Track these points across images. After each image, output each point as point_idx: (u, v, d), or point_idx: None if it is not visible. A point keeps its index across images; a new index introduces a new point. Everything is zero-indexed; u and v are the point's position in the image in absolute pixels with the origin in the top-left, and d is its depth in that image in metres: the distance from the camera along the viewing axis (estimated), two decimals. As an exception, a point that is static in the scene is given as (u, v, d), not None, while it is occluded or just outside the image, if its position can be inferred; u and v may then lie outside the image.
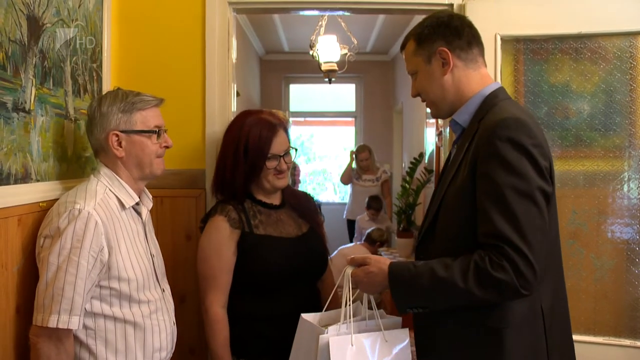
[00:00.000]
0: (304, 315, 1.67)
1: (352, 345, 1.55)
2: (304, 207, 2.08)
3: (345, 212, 6.43)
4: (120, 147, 1.63)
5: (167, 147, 1.72)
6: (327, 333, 1.55)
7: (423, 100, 1.62)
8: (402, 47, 1.62)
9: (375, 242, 4.82)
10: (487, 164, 1.34)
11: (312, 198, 2.17)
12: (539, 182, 1.32)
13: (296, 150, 2.05)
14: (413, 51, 1.56)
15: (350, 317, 1.58)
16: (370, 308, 1.64)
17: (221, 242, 1.89)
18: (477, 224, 1.36)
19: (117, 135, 1.63)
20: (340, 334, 1.56)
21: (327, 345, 1.53)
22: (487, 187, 1.34)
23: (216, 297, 1.88)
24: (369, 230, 5.00)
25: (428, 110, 5.19)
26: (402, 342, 1.63)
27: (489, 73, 1.57)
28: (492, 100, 1.48)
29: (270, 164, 1.92)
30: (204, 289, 1.91)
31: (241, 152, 1.92)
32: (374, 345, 1.59)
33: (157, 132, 1.68)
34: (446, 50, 1.50)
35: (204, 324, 1.92)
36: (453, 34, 1.51)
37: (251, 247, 1.90)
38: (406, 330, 1.64)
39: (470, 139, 1.44)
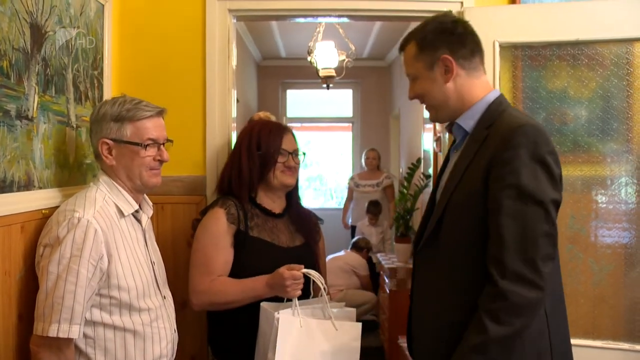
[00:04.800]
0: (264, 304, 1.80)
1: (300, 326, 1.72)
2: (304, 222, 2.10)
3: (349, 219, 6.45)
4: (111, 155, 1.62)
5: (161, 161, 1.68)
6: (278, 314, 1.69)
7: (422, 103, 1.60)
8: (402, 48, 1.59)
9: (362, 249, 5.28)
10: (502, 171, 1.34)
11: (316, 217, 2.19)
12: (552, 192, 1.34)
13: (305, 154, 2.09)
14: (414, 55, 1.54)
15: (296, 303, 1.75)
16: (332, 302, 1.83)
17: (219, 232, 1.91)
18: (486, 231, 1.36)
19: (107, 144, 1.62)
20: (291, 315, 1.72)
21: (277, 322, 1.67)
22: (501, 194, 1.34)
23: (208, 278, 1.88)
24: (354, 240, 5.45)
25: (426, 115, 5.16)
26: (352, 333, 1.77)
27: (488, 79, 1.58)
28: (498, 107, 1.49)
29: (281, 158, 1.98)
30: (193, 276, 1.90)
31: (254, 148, 1.99)
32: (323, 330, 1.75)
33: (147, 145, 1.62)
34: (450, 58, 1.48)
35: (206, 309, 1.96)
36: (457, 42, 1.50)
37: (242, 246, 1.92)
38: (359, 325, 1.79)
39: (479, 145, 1.43)
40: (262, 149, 1.99)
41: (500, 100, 1.52)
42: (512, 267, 1.30)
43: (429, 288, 1.52)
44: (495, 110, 1.48)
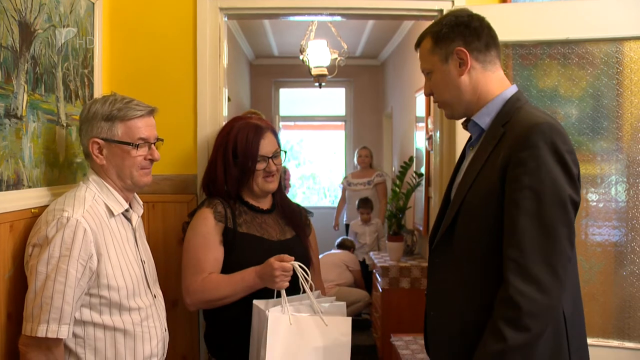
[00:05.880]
0: (255, 301, 1.80)
1: (290, 323, 1.73)
2: (293, 216, 2.10)
3: (344, 218, 6.46)
4: (102, 154, 1.61)
5: (152, 160, 1.67)
6: (268, 312, 1.70)
7: (435, 101, 1.59)
8: (417, 44, 1.58)
9: (349, 248, 5.49)
10: (519, 172, 1.32)
11: (306, 211, 2.18)
12: (570, 192, 1.32)
13: (285, 152, 2.07)
14: (429, 49, 1.53)
15: (285, 299, 1.76)
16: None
17: (207, 232, 1.92)
18: (502, 231, 1.35)
19: (98, 143, 1.61)
20: (281, 312, 1.74)
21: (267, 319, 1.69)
22: (518, 195, 1.32)
23: (199, 277, 1.89)
24: (339, 241, 5.66)
25: (419, 114, 5.13)
26: (342, 328, 1.79)
27: (504, 75, 1.55)
28: (515, 103, 1.47)
29: (259, 166, 1.96)
30: (185, 277, 1.90)
31: (230, 156, 1.97)
32: (313, 326, 1.76)
33: (138, 145, 1.62)
34: (464, 50, 1.47)
35: (202, 307, 1.96)
36: (472, 34, 1.48)
37: (232, 243, 1.92)
38: (349, 320, 1.81)
39: (495, 143, 1.42)
40: (239, 156, 1.95)
41: (517, 96, 1.49)
42: (530, 271, 1.28)
43: (443, 286, 1.51)
44: (512, 107, 1.46)
